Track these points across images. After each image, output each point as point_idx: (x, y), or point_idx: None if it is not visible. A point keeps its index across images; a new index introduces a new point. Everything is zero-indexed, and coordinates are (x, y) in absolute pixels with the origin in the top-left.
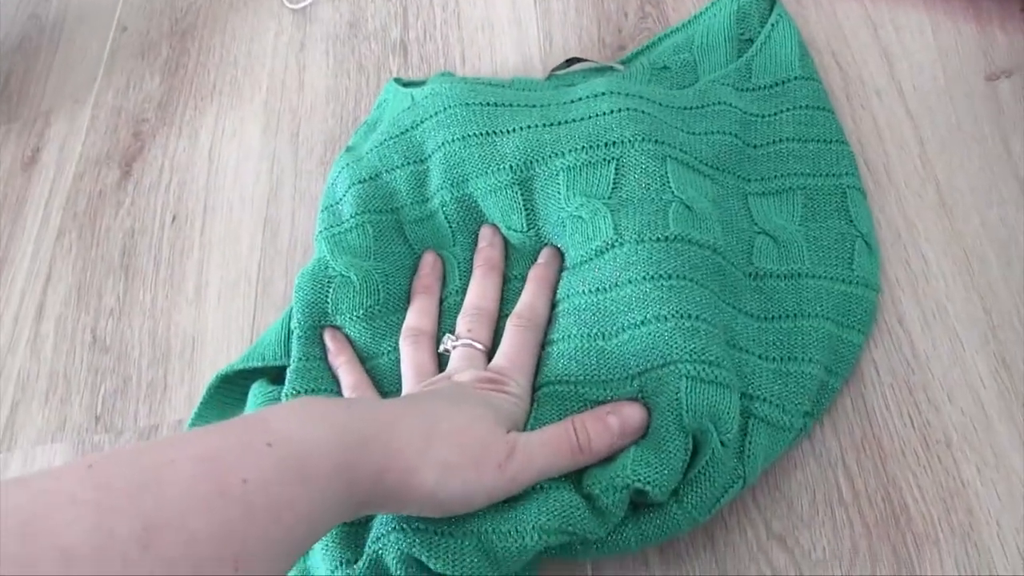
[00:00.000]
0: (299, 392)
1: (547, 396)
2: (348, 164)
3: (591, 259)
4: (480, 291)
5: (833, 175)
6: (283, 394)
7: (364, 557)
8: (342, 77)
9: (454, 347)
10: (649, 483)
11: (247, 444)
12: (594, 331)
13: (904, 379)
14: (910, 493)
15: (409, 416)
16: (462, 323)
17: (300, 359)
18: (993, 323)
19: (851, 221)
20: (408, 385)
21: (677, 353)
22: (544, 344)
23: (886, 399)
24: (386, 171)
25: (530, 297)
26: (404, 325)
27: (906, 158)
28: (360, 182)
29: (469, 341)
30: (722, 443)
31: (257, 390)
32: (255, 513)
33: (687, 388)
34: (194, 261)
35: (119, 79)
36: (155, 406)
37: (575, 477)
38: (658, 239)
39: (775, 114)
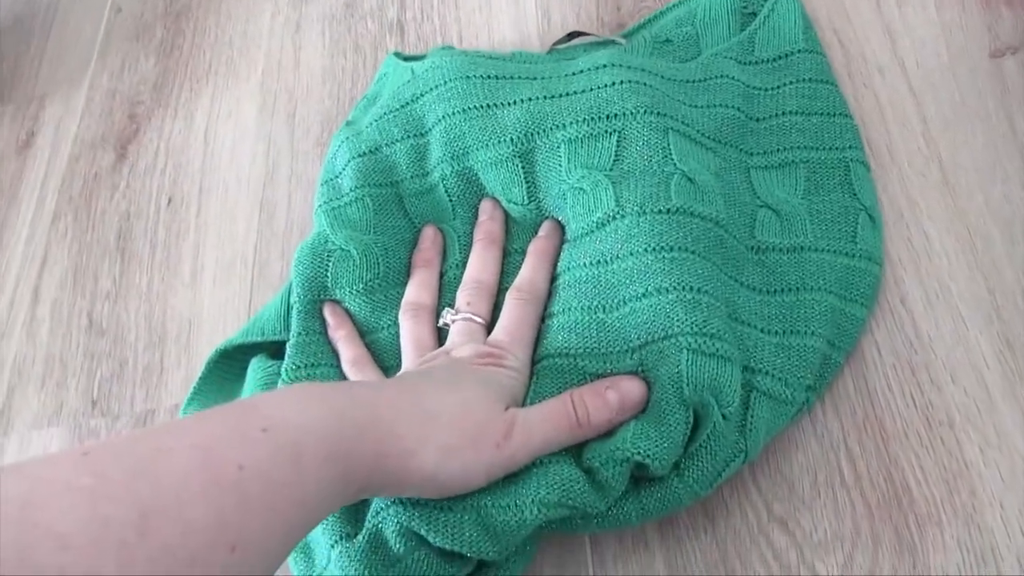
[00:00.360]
0: (299, 367)
1: (546, 369)
2: (348, 138)
3: (592, 231)
4: (480, 265)
5: (836, 148)
6: (283, 368)
7: (363, 531)
8: (338, 57)
9: (453, 321)
10: (649, 456)
11: (243, 431)
12: (595, 304)
13: (907, 359)
14: (912, 474)
15: (406, 399)
16: (462, 297)
17: (299, 334)
18: (997, 303)
19: (854, 194)
20: (407, 360)
21: (678, 326)
22: (544, 317)
23: (888, 380)
24: (386, 144)
25: (530, 271)
26: (404, 299)
27: (909, 136)
28: (360, 155)
29: (468, 315)
30: (724, 416)
31: (256, 365)
32: (251, 500)
33: (688, 361)
34: (190, 244)
35: (114, 61)
36: (151, 390)
37: (575, 451)
38: (660, 211)
39: (778, 87)
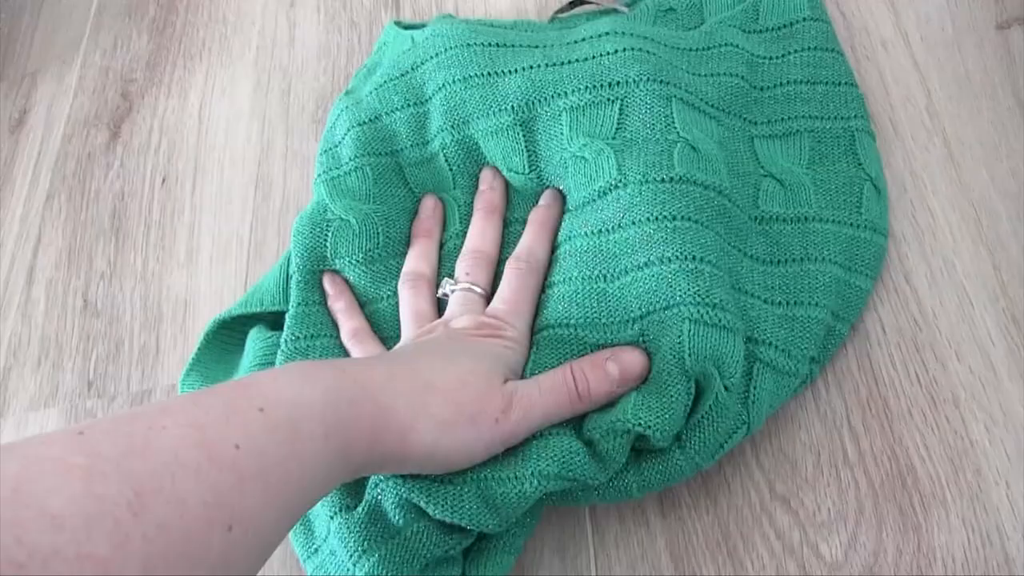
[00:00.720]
0: (298, 338)
1: (546, 340)
2: (348, 106)
3: (594, 200)
4: (480, 234)
5: (842, 118)
6: (282, 339)
7: (363, 503)
8: (333, 33)
9: (452, 291)
10: (650, 428)
11: (238, 409)
12: (595, 273)
13: (911, 337)
14: (917, 453)
15: (403, 375)
16: (461, 267)
17: (299, 304)
18: (1003, 279)
19: (860, 164)
20: (406, 331)
21: (680, 296)
22: (544, 287)
23: (892, 358)
24: (386, 113)
25: (530, 240)
26: (403, 269)
27: (913, 111)
28: (359, 124)
29: (468, 285)
30: (726, 388)
31: (256, 336)
32: (247, 479)
33: (690, 331)
34: (185, 223)
35: (106, 39)
36: (147, 371)
37: (575, 423)
38: (663, 180)
39: (783, 56)
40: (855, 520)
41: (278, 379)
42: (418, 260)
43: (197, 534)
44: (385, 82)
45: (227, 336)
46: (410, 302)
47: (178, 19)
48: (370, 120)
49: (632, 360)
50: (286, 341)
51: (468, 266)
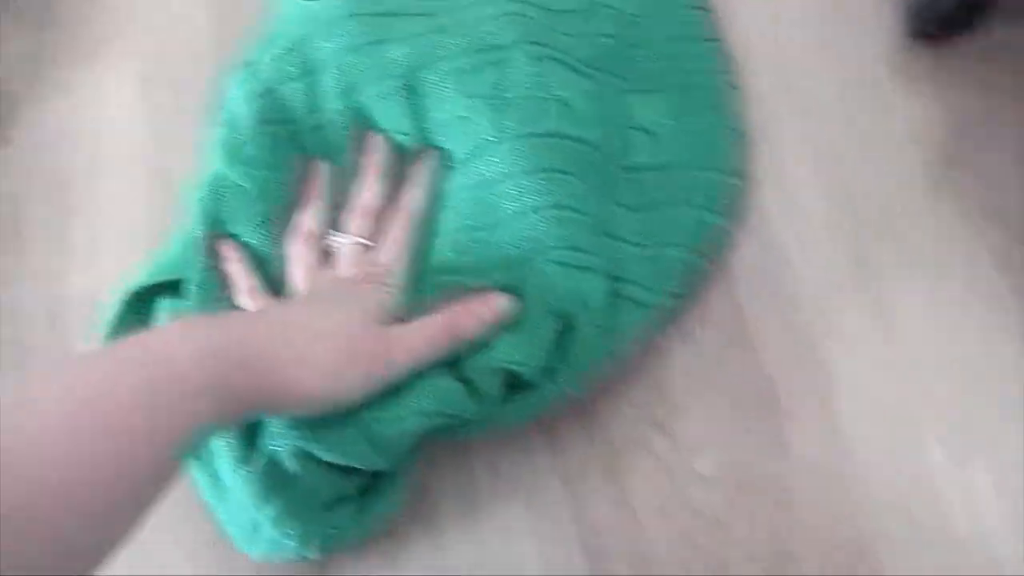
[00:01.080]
0: (200, 304)
1: (428, 287)
2: (244, 78)
3: (473, 157)
4: (367, 190)
5: (707, 72)
6: (186, 308)
7: (260, 455)
8: (214, 8)
9: (339, 244)
10: (519, 365)
11: (125, 368)
12: (476, 224)
13: (767, 269)
14: (776, 372)
15: (286, 324)
16: (348, 220)
17: (198, 270)
18: (848, 209)
19: (721, 114)
20: (294, 282)
21: (548, 241)
22: (428, 237)
23: (751, 289)
24: (280, 84)
25: (411, 195)
26: (293, 226)
27: (768, 63)
28: (256, 95)
29: (353, 238)
30: (591, 323)
31: (163, 305)
32: (136, 435)
33: (554, 273)
34: (83, 222)
35: None
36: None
37: (450, 363)
38: (538, 135)
39: (654, 14)
40: (725, 439)
41: (165, 336)
42: (307, 217)
43: (90, 495)
44: (280, 54)
45: (136, 309)
46: (299, 255)
47: (60, 15)
48: (266, 91)
49: (501, 302)
50: (189, 309)
51: (355, 220)
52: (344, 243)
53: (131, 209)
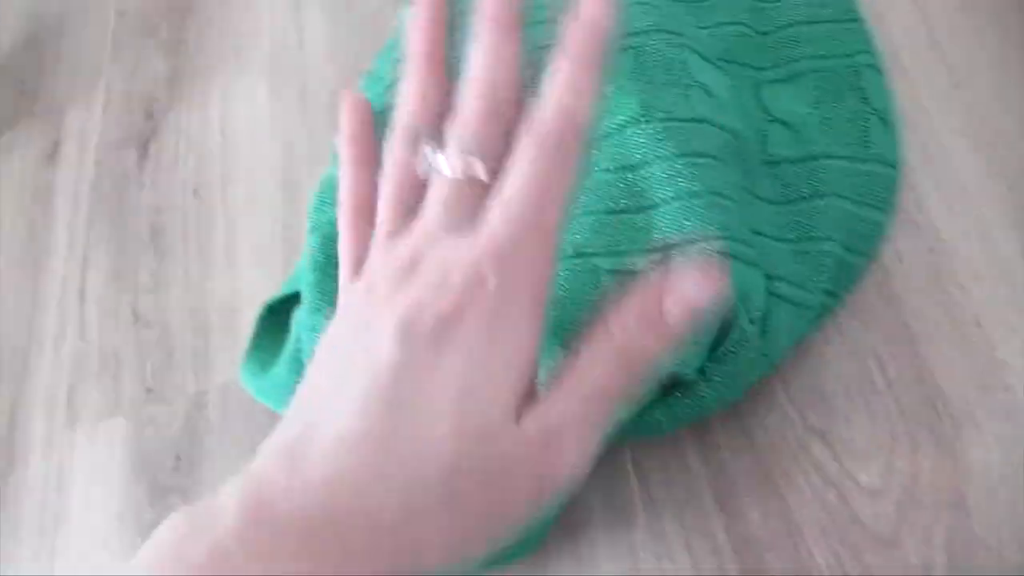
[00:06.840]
0: (318, 310)
1: (561, 275)
2: (367, 85)
3: (612, 134)
4: (493, 55)
5: (846, 55)
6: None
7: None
8: (340, 28)
9: (439, 173)
10: (680, 365)
11: None
12: (620, 207)
13: (929, 265)
14: (944, 376)
15: (329, 495)
16: (458, 124)
17: (314, 271)
18: (1019, 201)
19: (866, 99)
20: (341, 268)
21: (709, 229)
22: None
23: (912, 286)
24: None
25: (562, 88)
26: (395, 121)
27: (916, 41)
28: (379, 100)
29: (464, 160)
30: (751, 321)
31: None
32: None
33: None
34: (221, 231)
35: (125, 64)
36: (200, 373)
37: None
38: (685, 119)
39: None
40: (889, 447)
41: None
42: (417, 100)
43: None
44: (399, 57)
45: (277, 320)
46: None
47: (191, 36)
48: (389, 94)
49: (708, 281)
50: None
51: (469, 120)
52: (443, 171)
53: (264, 219)
